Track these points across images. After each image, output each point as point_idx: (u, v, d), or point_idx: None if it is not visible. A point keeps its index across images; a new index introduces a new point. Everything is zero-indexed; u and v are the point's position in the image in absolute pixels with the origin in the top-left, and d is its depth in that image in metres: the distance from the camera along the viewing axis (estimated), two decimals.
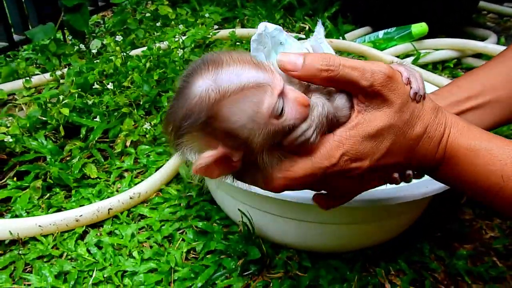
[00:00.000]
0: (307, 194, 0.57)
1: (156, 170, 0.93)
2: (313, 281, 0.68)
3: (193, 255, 0.75)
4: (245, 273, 0.70)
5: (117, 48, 1.27)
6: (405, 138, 0.43)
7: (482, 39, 1.46)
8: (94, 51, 1.36)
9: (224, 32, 1.43)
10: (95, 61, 1.30)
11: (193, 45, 1.34)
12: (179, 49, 1.26)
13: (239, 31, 1.43)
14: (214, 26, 1.52)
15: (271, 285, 0.68)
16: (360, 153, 0.42)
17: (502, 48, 1.32)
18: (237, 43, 1.42)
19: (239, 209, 0.71)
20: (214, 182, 0.74)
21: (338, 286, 0.67)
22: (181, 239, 0.77)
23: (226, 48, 1.35)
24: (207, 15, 1.56)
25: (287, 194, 0.62)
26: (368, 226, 0.70)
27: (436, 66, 1.36)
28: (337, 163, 0.42)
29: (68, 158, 0.99)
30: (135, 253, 0.74)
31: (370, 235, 0.72)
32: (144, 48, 1.34)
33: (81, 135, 1.03)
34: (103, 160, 0.98)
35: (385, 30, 1.42)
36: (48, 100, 1.06)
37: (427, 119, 0.44)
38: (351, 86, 0.43)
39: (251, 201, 0.69)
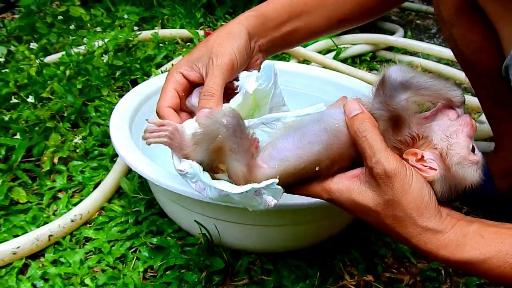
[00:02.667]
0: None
1: (94, 187, 0.88)
2: (278, 282, 0.70)
3: (151, 274, 0.72)
4: (208, 285, 0.69)
5: (32, 55, 1.16)
6: (391, 229, 0.45)
7: (391, 33, 1.58)
8: (1, 59, 1.23)
9: (147, 34, 1.37)
10: (3, 71, 1.18)
11: (114, 49, 1.27)
12: (103, 55, 1.19)
13: (162, 32, 1.39)
14: (134, 27, 1.45)
15: None
16: (343, 205, 0.47)
17: (410, 41, 1.44)
18: (160, 44, 1.37)
19: (196, 221, 0.70)
20: (167, 195, 0.72)
21: (301, 284, 0.69)
22: (135, 258, 0.74)
23: (150, 51, 1.30)
24: (125, 16, 1.49)
25: None
26: (319, 223, 0.73)
27: (354, 60, 1.44)
28: (330, 198, 0.48)
29: None
30: (87, 281, 0.69)
31: (323, 230, 0.75)
32: (60, 54, 1.24)
33: (0, 156, 0.93)
34: (30, 182, 0.89)
35: None
36: None
37: (424, 237, 0.44)
38: (363, 157, 0.46)
39: (209, 211, 0.68)
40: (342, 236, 0.78)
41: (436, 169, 0.46)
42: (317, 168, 0.47)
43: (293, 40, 0.64)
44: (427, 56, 1.43)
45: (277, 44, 0.61)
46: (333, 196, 0.47)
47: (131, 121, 0.81)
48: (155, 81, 0.92)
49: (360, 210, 0.46)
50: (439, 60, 1.42)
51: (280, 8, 0.61)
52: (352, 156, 0.47)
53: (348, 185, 0.46)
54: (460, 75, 1.23)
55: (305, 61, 1.36)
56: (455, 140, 0.47)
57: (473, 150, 0.47)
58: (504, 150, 0.81)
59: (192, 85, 0.56)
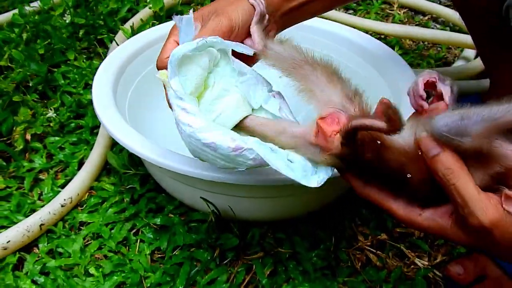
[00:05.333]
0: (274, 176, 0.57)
1: (79, 165, 0.81)
2: (292, 251, 0.68)
3: (159, 255, 0.69)
4: (223, 262, 0.66)
5: None
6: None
7: None
8: None
9: None
10: None
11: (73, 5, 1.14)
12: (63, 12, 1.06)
13: None
14: None
15: (253, 267, 0.66)
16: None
17: None
18: None
19: (203, 198, 0.66)
20: (168, 174, 0.67)
21: (316, 251, 0.68)
22: (138, 240, 0.70)
23: (113, 4, 1.18)
24: None
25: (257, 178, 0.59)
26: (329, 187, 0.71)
27: None
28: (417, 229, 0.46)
29: None
30: (92, 270, 0.65)
31: (331, 193, 0.73)
32: (11, 14, 1.10)
33: None
34: (5, 164, 0.81)
35: None
36: None
37: None
38: (452, 201, 0.39)
39: (216, 187, 0.64)
40: (349, 195, 0.77)
41: None
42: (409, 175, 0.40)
43: (309, 11, 0.59)
44: None
45: (292, 16, 0.56)
46: (422, 230, 0.44)
47: (114, 92, 0.74)
48: (133, 43, 0.83)
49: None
50: None
51: None
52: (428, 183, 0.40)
53: (441, 225, 0.41)
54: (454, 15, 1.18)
55: None
56: None
57: None
58: (504, 89, 0.80)
59: None
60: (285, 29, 0.58)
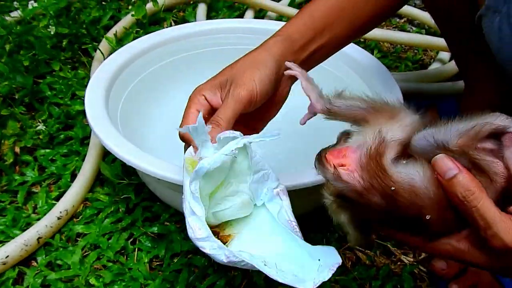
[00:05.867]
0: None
1: (71, 176, 0.82)
2: None
3: (157, 263, 0.71)
4: (220, 267, 0.69)
5: None
6: None
7: None
8: None
9: None
10: None
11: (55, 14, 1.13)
12: (47, 24, 1.06)
13: None
14: None
15: (250, 270, 0.69)
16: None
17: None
18: (103, 3, 1.25)
19: None
20: (165, 185, 0.69)
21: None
22: (136, 249, 0.71)
23: (95, 12, 1.18)
24: None
25: None
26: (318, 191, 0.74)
27: None
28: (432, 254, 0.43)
29: None
30: (92, 281, 0.67)
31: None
32: None
33: None
34: None
35: None
36: None
37: None
38: (472, 224, 0.38)
39: None
40: None
41: None
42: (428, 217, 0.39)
43: (320, 57, 0.59)
44: None
45: (305, 65, 0.56)
46: (438, 256, 0.44)
47: (106, 104, 0.75)
48: (121, 54, 0.84)
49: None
50: None
51: (303, 28, 0.57)
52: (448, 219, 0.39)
53: (458, 249, 0.40)
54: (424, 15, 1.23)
55: (261, 10, 1.30)
56: None
57: None
58: (482, 93, 0.84)
59: (214, 110, 0.50)
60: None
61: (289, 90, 0.56)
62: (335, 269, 0.41)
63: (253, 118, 0.54)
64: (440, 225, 0.39)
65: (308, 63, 0.58)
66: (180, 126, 0.48)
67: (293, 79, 0.55)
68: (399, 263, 0.72)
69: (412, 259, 0.73)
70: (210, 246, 0.42)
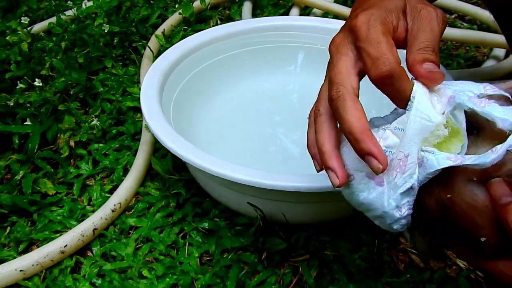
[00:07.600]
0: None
1: (123, 171, 0.84)
2: (336, 252, 0.70)
3: (207, 258, 0.71)
4: (270, 264, 0.69)
5: (19, 27, 1.06)
6: None
7: None
8: None
9: None
10: None
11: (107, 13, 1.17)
12: (102, 22, 1.09)
13: None
14: None
15: (300, 269, 0.68)
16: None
17: None
18: (151, 1, 1.27)
19: (250, 203, 0.68)
20: (216, 181, 0.69)
21: (360, 253, 0.70)
22: (187, 244, 0.72)
23: (144, 11, 1.20)
24: None
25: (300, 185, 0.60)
26: None
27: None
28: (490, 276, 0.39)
29: (8, 177, 0.84)
30: (145, 273, 0.68)
31: None
32: (46, 23, 1.14)
33: (14, 145, 0.87)
34: (52, 170, 0.85)
35: None
36: None
37: None
38: None
39: (263, 193, 0.66)
40: None
41: None
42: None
43: None
44: None
45: None
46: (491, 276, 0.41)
47: (160, 100, 0.76)
48: (174, 51, 0.85)
49: None
50: None
51: None
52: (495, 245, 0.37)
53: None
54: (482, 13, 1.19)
55: (306, 7, 1.29)
56: None
57: None
58: None
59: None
60: None
61: None
62: None
63: None
64: (496, 248, 0.37)
65: None
66: (351, 126, 0.38)
67: None
68: (454, 267, 0.70)
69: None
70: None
